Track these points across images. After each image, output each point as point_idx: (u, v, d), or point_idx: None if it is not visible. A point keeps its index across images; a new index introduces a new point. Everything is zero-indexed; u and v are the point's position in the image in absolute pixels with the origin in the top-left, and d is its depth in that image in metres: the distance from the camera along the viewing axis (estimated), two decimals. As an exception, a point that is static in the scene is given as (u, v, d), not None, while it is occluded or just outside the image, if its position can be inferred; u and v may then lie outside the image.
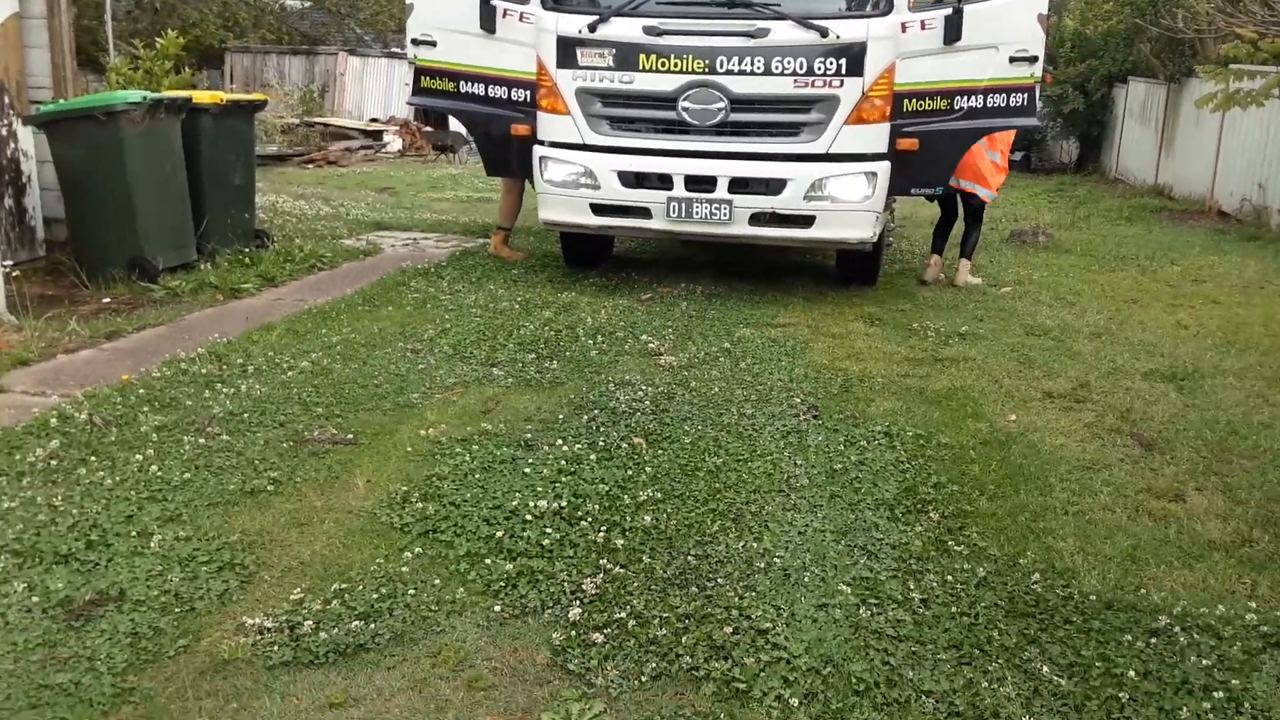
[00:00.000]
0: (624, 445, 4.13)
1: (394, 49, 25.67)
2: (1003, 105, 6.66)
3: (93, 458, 3.83)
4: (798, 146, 6.52)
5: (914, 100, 6.63)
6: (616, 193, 6.66)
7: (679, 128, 6.56)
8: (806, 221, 6.57)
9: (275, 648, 2.69)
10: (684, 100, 6.48)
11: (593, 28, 6.47)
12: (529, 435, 4.22)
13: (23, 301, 6.43)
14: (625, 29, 6.46)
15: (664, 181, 6.60)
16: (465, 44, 7.30)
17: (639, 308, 6.52)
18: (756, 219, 6.56)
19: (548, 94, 6.74)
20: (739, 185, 6.54)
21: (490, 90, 7.30)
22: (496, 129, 7.29)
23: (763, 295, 6.96)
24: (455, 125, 23.63)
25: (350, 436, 4.19)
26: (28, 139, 7.27)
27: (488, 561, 3.16)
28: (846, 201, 6.53)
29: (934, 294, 7.22)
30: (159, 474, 3.72)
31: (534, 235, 9.37)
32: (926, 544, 3.38)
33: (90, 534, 3.24)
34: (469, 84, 7.34)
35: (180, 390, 4.64)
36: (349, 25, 28.13)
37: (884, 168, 6.55)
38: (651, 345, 5.56)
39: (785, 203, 6.51)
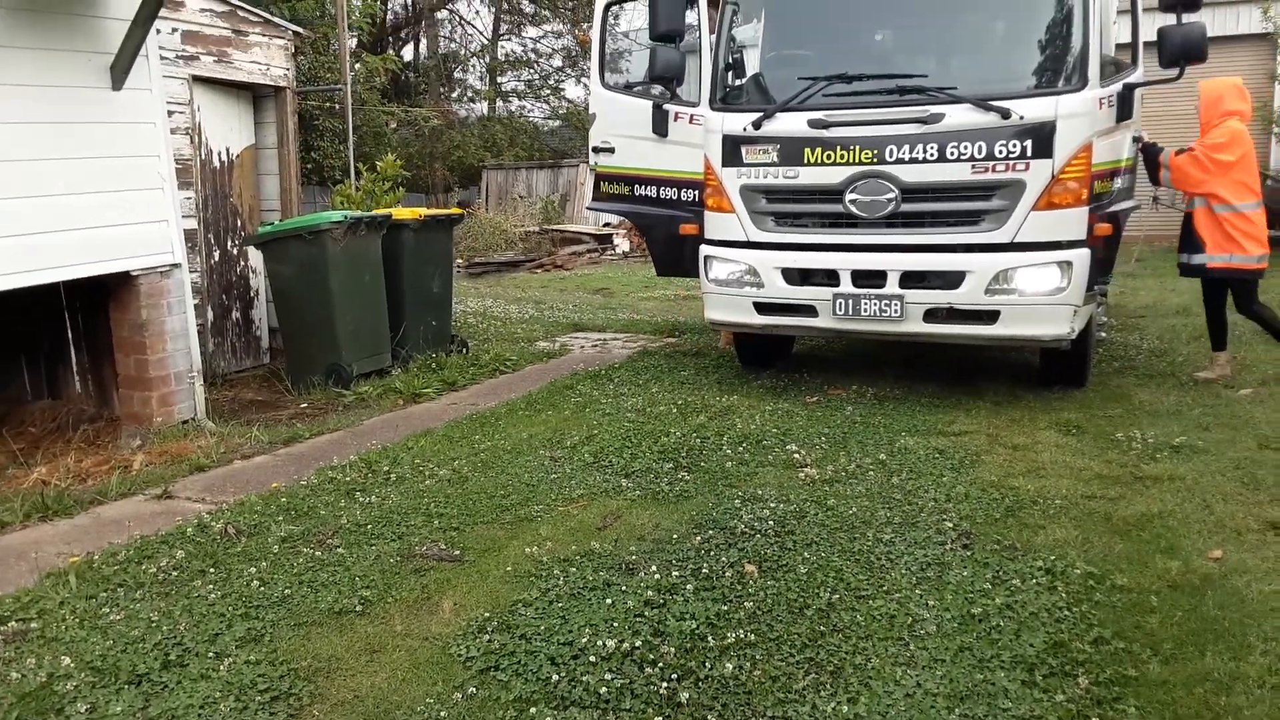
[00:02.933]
0: (730, 573, 3.67)
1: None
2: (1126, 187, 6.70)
3: (212, 569, 3.89)
4: (978, 236, 5.85)
5: (1099, 181, 5.86)
6: (781, 290, 6.26)
7: (846, 221, 6.10)
8: (989, 317, 5.85)
9: (283, 800, 2.47)
10: (851, 192, 6.04)
11: (758, 124, 6.21)
12: (633, 557, 3.86)
13: (234, 406, 6.94)
14: (790, 124, 6.15)
15: (830, 278, 6.13)
16: (640, 149, 7.31)
17: (800, 412, 6.02)
18: (932, 315, 5.92)
19: (713, 193, 6.52)
20: (911, 280, 5.94)
21: (662, 192, 7.20)
22: (667, 229, 7.16)
23: (944, 398, 6.24)
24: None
25: (458, 553, 4.02)
26: (256, 257, 7.98)
27: (533, 710, 2.81)
28: (1036, 294, 5.75)
29: (1154, 397, 6.17)
30: (262, 589, 3.70)
31: (717, 335, 9.09)
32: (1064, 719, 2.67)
33: (171, 653, 3.22)
34: (643, 187, 7.30)
35: (320, 499, 4.70)
36: (590, 138, 29.76)
37: (1081, 256, 5.73)
38: (797, 456, 5.05)
39: (964, 297, 5.83)
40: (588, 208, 7.87)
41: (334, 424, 6.21)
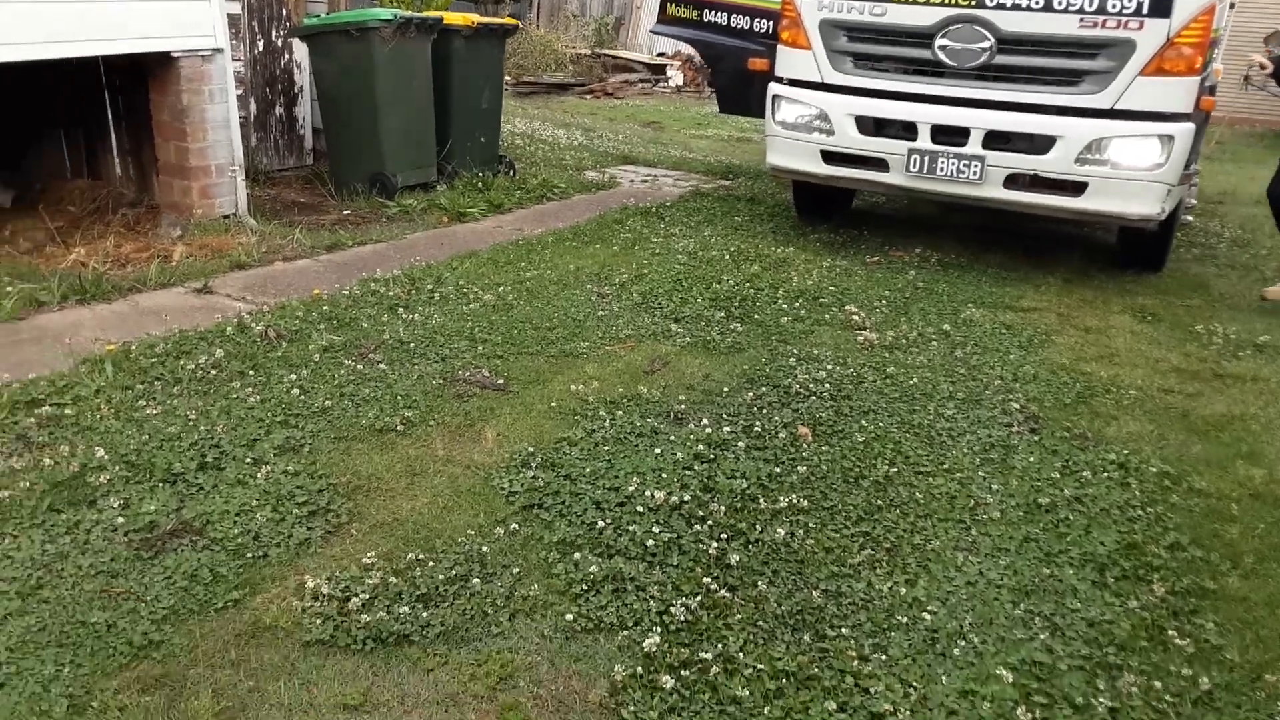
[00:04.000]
0: (783, 433, 3.46)
1: (687, -17, 25.10)
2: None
3: (251, 372, 3.72)
4: (1075, 99, 5.33)
5: (1212, 49, 5.27)
6: (852, 140, 5.80)
7: (932, 69, 5.57)
8: (1076, 189, 5.40)
9: (319, 621, 2.36)
10: (942, 37, 5.47)
11: (845, -48, 5.59)
12: (682, 406, 3.65)
13: (276, 205, 6.67)
14: (883, -46, 5.52)
15: (907, 130, 5.65)
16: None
17: (859, 272, 5.69)
18: (1013, 181, 5.47)
19: (790, 25, 5.95)
20: (996, 140, 5.46)
21: (733, 20, 6.61)
22: (734, 62, 6.62)
23: (1012, 271, 5.88)
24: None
25: (502, 381, 3.83)
26: (302, 51, 7.49)
27: (577, 556, 2.67)
28: (1130, 168, 5.28)
29: (1235, 290, 5.78)
30: (302, 398, 3.53)
31: (773, 181, 8.63)
32: (1137, 628, 2.50)
33: (208, 454, 3.08)
34: (713, 12, 6.70)
35: (362, 311, 4.49)
36: (650, -41, 27.95)
37: (1184, 130, 5.22)
38: (856, 317, 4.76)
39: (1051, 164, 5.37)
40: (651, 30, 7.28)
41: (377, 235, 5.94)
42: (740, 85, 6.69)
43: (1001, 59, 5.35)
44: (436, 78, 7.03)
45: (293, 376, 3.69)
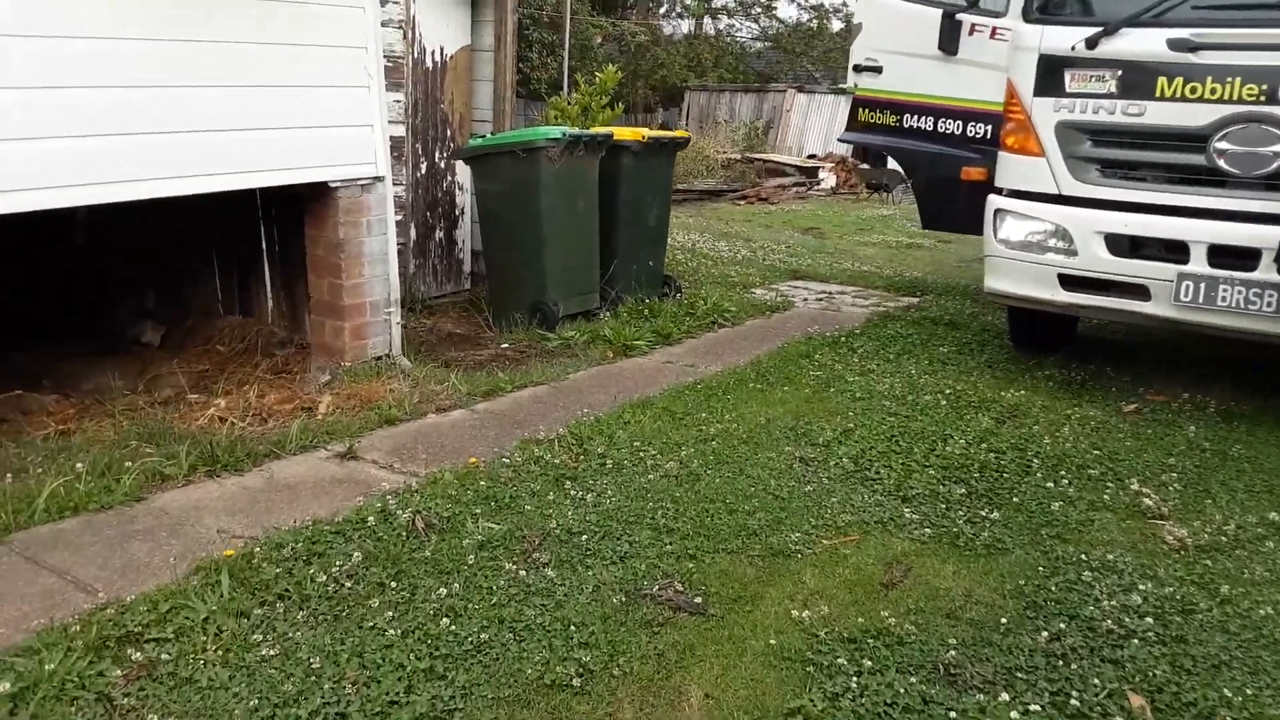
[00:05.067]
0: (1113, 708, 2.40)
1: (841, 84, 24.68)
2: None
3: (393, 583, 2.96)
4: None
5: None
6: (1100, 262, 4.75)
7: (1208, 177, 4.50)
8: None
9: None
10: (1220, 140, 4.41)
11: (1092, 43, 4.64)
12: (951, 653, 2.65)
13: (432, 337, 6.13)
14: (1140, 43, 4.55)
15: (1174, 251, 4.56)
16: (917, 69, 5.85)
17: (1119, 426, 4.55)
18: (1325, 314, 4.29)
19: (1016, 129, 5.01)
20: (1299, 263, 4.32)
21: (940, 125, 5.74)
22: (942, 171, 5.72)
23: (1319, 421, 4.61)
24: (894, 163, 22.12)
25: (699, 600, 2.93)
26: (464, 172, 7.08)
27: None
28: None
29: None
30: (452, 629, 2.73)
31: (966, 299, 7.57)
32: None
33: (328, 727, 2.30)
34: (915, 117, 5.86)
35: (524, 486, 3.72)
36: (802, 64, 27.74)
37: None
38: (1147, 501, 3.64)
39: (1378, 292, 4.17)
40: (839, 139, 6.50)
41: (537, 375, 5.24)
42: (948, 197, 5.77)
43: (1305, 164, 4.24)
44: (603, 196, 6.43)
45: (442, 591, 2.91)
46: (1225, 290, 4.44)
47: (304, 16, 4.60)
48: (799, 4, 28.82)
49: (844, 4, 31.15)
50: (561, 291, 6.22)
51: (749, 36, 29.97)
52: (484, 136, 6.42)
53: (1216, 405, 4.80)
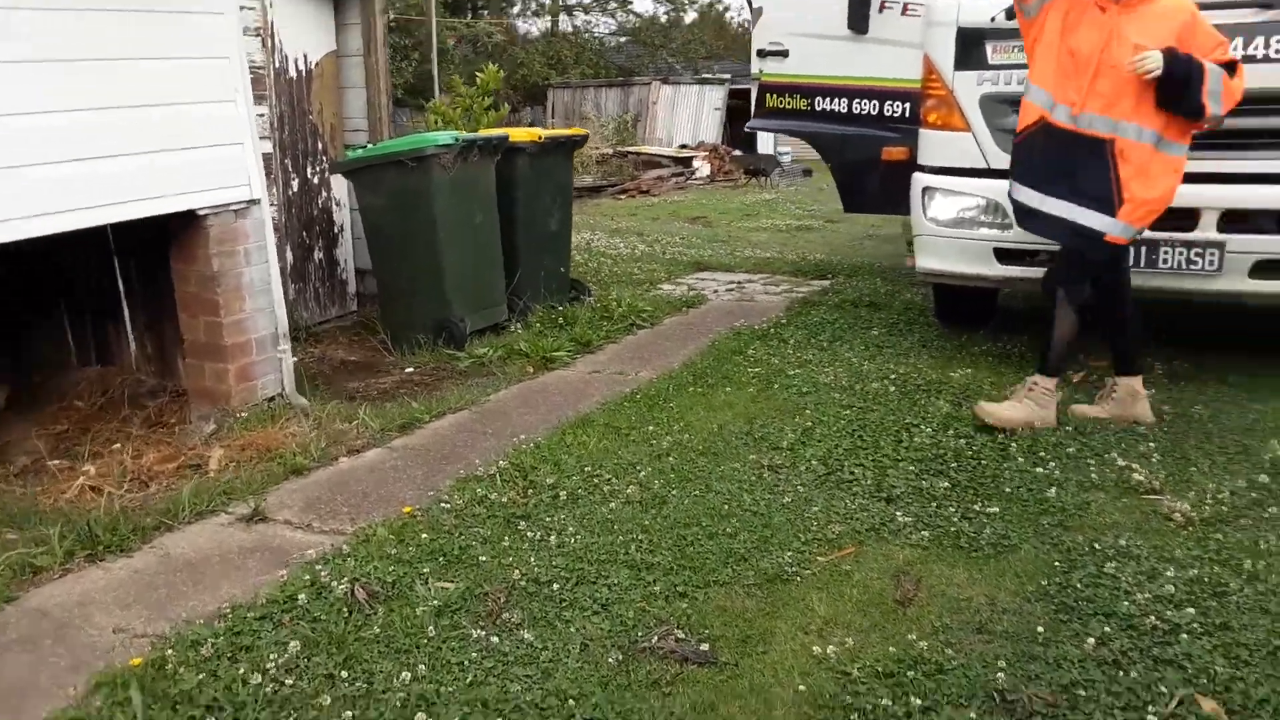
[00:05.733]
0: (1183, 714, 2.19)
1: (704, 75, 24.78)
2: None
3: (343, 673, 2.49)
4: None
5: None
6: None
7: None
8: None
9: None
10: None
11: (1011, 13, 4.53)
12: (1000, 678, 2.39)
13: (324, 368, 5.55)
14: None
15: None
16: (826, 50, 5.66)
17: (1075, 396, 4.46)
18: (1264, 270, 4.29)
19: (938, 105, 4.87)
20: (1235, 221, 4.31)
21: (855, 105, 5.57)
22: (860, 153, 5.55)
23: (1273, 376, 4.64)
24: (764, 147, 22.28)
25: (705, 648, 2.58)
26: (340, 186, 6.51)
27: None
28: None
29: None
30: (426, 721, 2.29)
31: (875, 278, 7.50)
32: None
33: None
34: (827, 100, 5.67)
35: (472, 532, 3.27)
36: (661, 56, 27.73)
37: None
38: (1137, 476, 3.51)
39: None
40: (748, 127, 6.24)
41: (455, 400, 4.77)
42: (867, 179, 5.61)
43: (1234, 121, 4.22)
44: (501, 202, 5.99)
45: (405, 676, 2.46)
46: (1166, 251, 4.40)
47: (156, 25, 3.99)
48: (652, -3, 28.84)
49: (700, -6, 31.43)
50: (467, 306, 5.75)
51: (607, 31, 29.84)
52: (364, 147, 5.87)
53: (1161, 367, 4.79)
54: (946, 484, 3.55)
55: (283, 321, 4.65)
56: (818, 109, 5.65)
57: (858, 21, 5.34)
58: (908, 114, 5.21)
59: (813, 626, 2.68)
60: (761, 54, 5.92)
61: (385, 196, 5.61)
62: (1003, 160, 4.70)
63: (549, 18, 29.26)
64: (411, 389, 5.15)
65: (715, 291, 7.42)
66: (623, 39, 29.47)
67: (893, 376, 4.86)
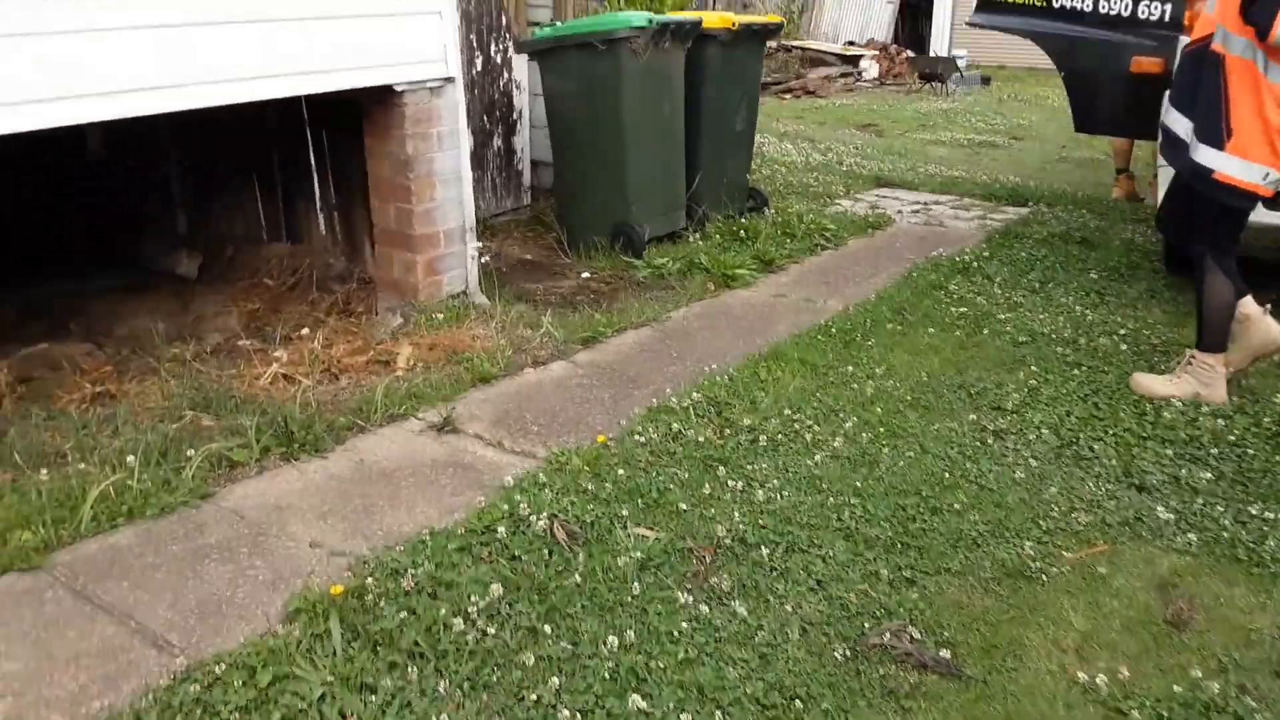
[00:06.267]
0: None
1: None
2: None
3: (547, 627, 2.26)
4: None
5: None
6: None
7: None
8: None
9: None
10: None
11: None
12: (1324, 748, 1.97)
13: (501, 266, 5.31)
14: None
15: None
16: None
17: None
18: None
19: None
20: None
21: (1103, 4, 4.75)
22: (1102, 62, 4.77)
23: None
24: (939, 48, 20.58)
25: (946, 655, 2.23)
26: (521, 68, 6.13)
27: None
28: None
29: None
30: (644, 708, 2.04)
31: (1081, 209, 6.69)
32: None
33: None
34: (1071, -4, 4.86)
35: (670, 473, 2.98)
36: (832, -59, 25.72)
37: None
38: None
39: None
40: (968, 22, 5.46)
41: (636, 314, 4.46)
42: (1108, 95, 4.83)
43: None
44: (687, 96, 5.51)
45: (613, 642, 2.21)
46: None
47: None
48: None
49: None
50: (647, 211, 5.36)
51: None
52: (552, 25, 5.44)
53: None
54: (1209, 475, 3.03)
55: (470, 214, 4.39)
56: (1055, 5, 4.86)
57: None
58: (1167, 17, 4.39)
59: (1069, 642, 2.29)
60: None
61: (571, 81, 5.21)
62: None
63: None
64: (589, 296, 4.86)
65: (899, 212, 6.78)
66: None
67: (1122, 332, 4.25)
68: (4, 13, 2.75)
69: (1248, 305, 3.52)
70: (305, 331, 4.14)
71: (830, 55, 17.88)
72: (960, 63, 16.50)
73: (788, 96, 14.52)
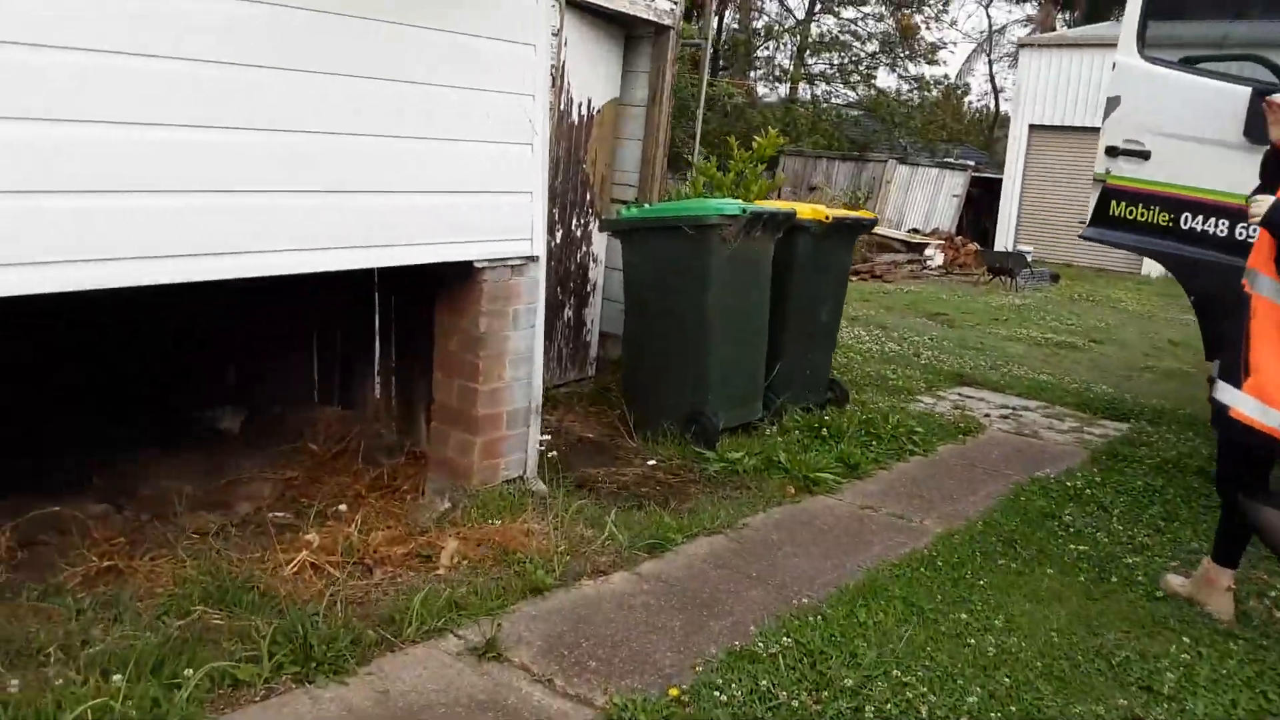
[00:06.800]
0: None
1: (945, 159, 23.47)
2: None
3: None
4: None
5: None
6: None
7: None
8: None
9: None
10: None
11: None
12: None
13: (562, 444, 4.92)
14: None
15: None
16: (1203, 158, 4.55)
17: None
18: None
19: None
20: None
21: (1238, 231, 4.43)
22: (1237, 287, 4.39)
23: None
24: (1003, 243, 20.65)
25: None
26: (599, 242, 5.96)
27: None
28: None
29: None
30: None
31: (1189, 431, 6.16)
32: None
33: None
34: (1199, 218, 4.56)
35: (758, 747, 2.44)
36: (898, 135, 26.61)
37: None
38: None
39: None
40: (1082, 235, 5.20)
41: (708, 518, 3.99)
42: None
43: None
44: (774, 284, 5.23)
45: None
46: None
47: (462, 50, 3.49)
48: (899, 74, 27.76)
49: (945, 76, 30.10)
50: (723, 400, 4.98)
51: (844, 103, 28.96)
52: (639, 205, 5.27)
53: None
54: None
55: (538, 396, 4.04)
56: (1184, 227, 4.54)
57: (1254, 126, 4.21)
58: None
59: None
60: (1112, 151, 4.87)
61: (655, 263, 4.97)
62: None
63: (789, 84, 28.74)
64: (655, 488, 4.42)
65: (988, 415, 6.33)
66: (858, 113, 28.48)
67: (1272, 595, 3.66)
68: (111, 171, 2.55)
69: (1220, 575, 3.46)
70: (343, 509, 3.75)
71: (896, 241, 17.98)
72: (1027, 257, 16.40)
73: (853, 279, 14.43)
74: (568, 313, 5.91)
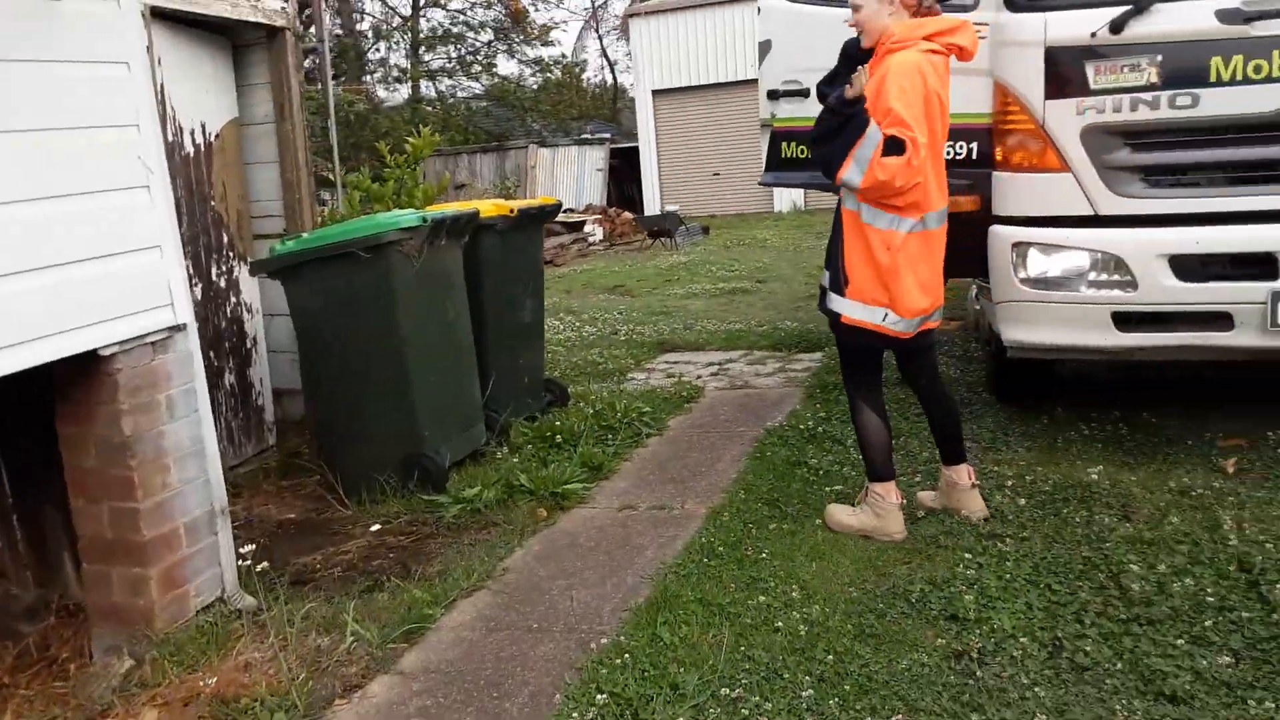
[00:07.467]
0: None
1: (583, 136, 24.02)
2: None
3: None
4: None
5: None
6: (1168, 292, 3.80)
7: (1287, 173, 3.71)
8: None
9: None
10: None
11: (1118, 25, 3.71)
12: None
13: (257, 533, 4.12)
14: (1181, 19, 3.68)
15: (1263, 267, 3.70)
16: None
17: (1253, 492, 3.59)
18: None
19: (1024, 141, 3.99)
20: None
21: (901, 150, 4.62)
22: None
23: None
24: (652, 206, 21.55)
25: None
26: (251, 288, 5.11)
27: None
28: None
29: None
30: None
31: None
32: None
33: None
34: (862, 146, 4.70)
35: None
36: (531, 119, 26.84)
37: None
38: None
39: None
40: (760, 182, 5.19)
41: (460, 573, 3.47)
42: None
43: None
44: (469, 294, 4.76)
45: None
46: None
47: (31, 81, 2.63)
48: (519, 59, 27.98)
49: (563, 55, 30.86)
50: (441, 434, 4.44)
51: (469, 96, 28.73)
52: (295, 237, 4.51)
53: None
54: (1228, 659, 2.54)
55: (221, 492, 3.26)
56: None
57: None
58: (975, 155, 4.30)
59: None
60: (773, 95, 4.93)
61: (327, 298, 4.27)
62: (1115, 204, 3.86)
63: (410, 83, 27.95)
64: (389, 557, 3.81)
65: (699, 377, 6.34)
66: (486, 103, 28.42)
67: (1009, 484, 3.87)
68: None
69: (960, 474, 3.60)
70: (-20, 716, 2.77)
71: (556, 224, 18.04)
72: (679, 216, 17.20)
73: (527, 269, 14.25)
74: (229, 378, 5.00)
